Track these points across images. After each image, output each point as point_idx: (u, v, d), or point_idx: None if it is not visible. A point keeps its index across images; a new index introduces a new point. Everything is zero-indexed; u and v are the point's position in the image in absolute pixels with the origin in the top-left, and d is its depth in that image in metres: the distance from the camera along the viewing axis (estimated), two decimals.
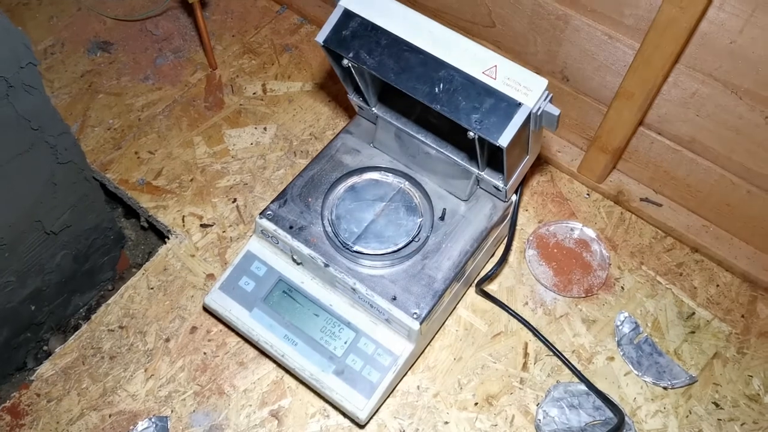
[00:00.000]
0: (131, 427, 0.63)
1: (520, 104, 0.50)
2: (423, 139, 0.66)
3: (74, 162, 0.64)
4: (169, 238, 0.77)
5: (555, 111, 0.49)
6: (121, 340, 0.69)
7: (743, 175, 0.68)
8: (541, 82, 0.49)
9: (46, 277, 0.71)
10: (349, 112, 0.89)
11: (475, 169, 0.64)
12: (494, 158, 0.64)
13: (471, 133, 0.51)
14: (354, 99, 0.69)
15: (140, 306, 0.72)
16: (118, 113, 0.88)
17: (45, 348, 0.79)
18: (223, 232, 0.77)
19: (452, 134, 0.66)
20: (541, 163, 0.84)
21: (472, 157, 0.65)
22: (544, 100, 0.50)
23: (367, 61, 0.54)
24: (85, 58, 0.93)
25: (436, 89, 0.51)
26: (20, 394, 0.66)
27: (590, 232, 0.78)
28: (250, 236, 0.70)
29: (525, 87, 0.49)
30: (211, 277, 0.74)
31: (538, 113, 0.50)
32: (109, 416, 0.65)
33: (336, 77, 0.92)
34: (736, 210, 0.72)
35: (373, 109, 0.68)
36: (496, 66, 0.50)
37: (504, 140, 0.49)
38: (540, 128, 0.53)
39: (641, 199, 0.79)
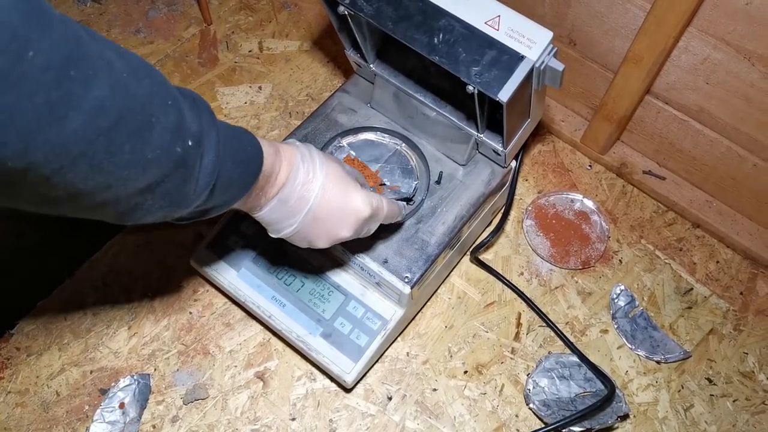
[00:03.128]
0: (113, 384, 0.62)
1: (522, 57, 0.47)
2: (422, 99, 0.64)
3: None
4: None
5: (559, 66, 0.47)
6: (105, 296, 0.68)
7: (751, 148, 0.66)
8: (546, 35, 0.47)
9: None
10: (348, 74, 0.86)
11: (474, 132, 0.62)
12: (494, 120, 0.61)
13: (470, 87, 0.48)
14: (351, 55, 0.66)
15: (125, 263, 0.70)
16: None
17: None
18: None
19: (452, 95, 0.63)
20: (543, 132, 0.81)
21: (471, 119, 0.62)
22: (548, 54, 0.47)
23: (365, 8, 0.51)
24: (75, 8, 0.89)
25: (436, 40, 0.49)
26: None
27: (590, 204, 0.76)
28: None
29: (529, 39, 0.47)
30: (199, 236, 0.72)
31: (542, 68, 0.47)
32: (91, 372, 0.63)
33: (336, 37, 0.89)
34: (742, 184, 0.70)
35: (371, 66, 0.65)
36: (499, 16, 0.47)
37: (504, 95, 0.47)
38: (543, 86, 0.51)
39: (644, 172, 0.77)
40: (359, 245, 0.60)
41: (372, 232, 0.53)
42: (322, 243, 0.49)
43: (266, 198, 0.45)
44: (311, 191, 0.46)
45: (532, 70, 0.47)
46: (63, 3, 0.90)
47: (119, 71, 0.31)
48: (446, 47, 0.49)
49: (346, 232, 0.49)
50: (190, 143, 0.35)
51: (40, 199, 0.31)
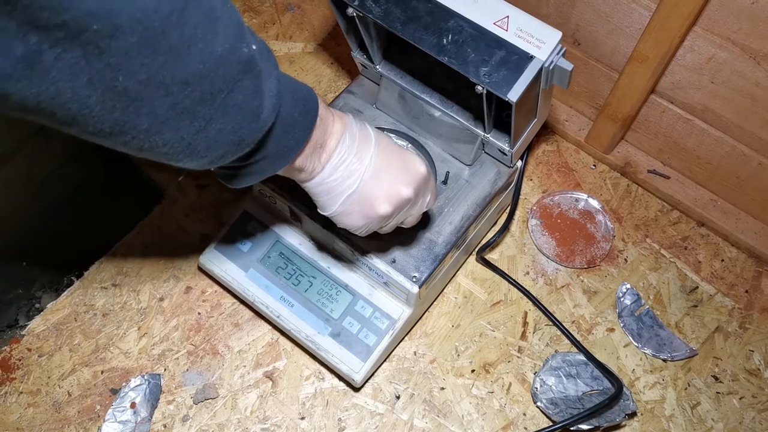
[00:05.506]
0: (123, 384, 0.62)
1: (531, 57, 0.47)
2: (428, 99, 0.64)
3: None
4: (164, 198, 0.75)
5: (568, 66, 0.47)
6: (114, 298, 0.68)
7: (755, 146, 0.66)
8: (555, 35, 0.47)
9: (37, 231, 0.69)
10: (352, 75, 0.86)
11: (480, 132, 0.62)
12: (501, 120, 0.62)
13: (479, 88, 0.49)
14: (358, 56, 0.66)
15: (134, 264, 0.70)
16: None
17: (37, 306, 0.78)
18: (220, 193, 0.76)
19: (458, 95, 0.63)
20: (547, 132, 0.82)
21: (477, 119, 0.63)
22: (557, 53, 0.48)
23: (373, 9, 0.51)
24: None
25: (444, 40, 0.49)
26: (11, 348, 0.65)
27: (595, 204, 0.76)
28: (247, 197, 0.68)
29: (538, 39, 0.47)
30: (206, 237, 0.72)
31: (551, 67, 0.48)
32: (101, 372, 0.64)
33: (339, 38, 0.90)
34: (746, 183, 0.71)
35: (378, 67, 0.66)
36: (508, 17, 0.48)
37: (514, 95, 0.47)
38: (551, 86, 0.51)
39: (649, 171, 0.77)
40: (367, 244, 0.60)
41: (419, 214, 0.52)
42: (383, 205, 0.46)
43: (327, 154, 0.44)
44: (369, 144, 0.45)
45: (541, 70, 0.48)
46: None
47: None
48: (455, 48, 0.49)
49: (408, 190, 0.46)
50: (254, 47, 0.35)
51: (121, 90, 0.30)
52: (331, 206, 0.47)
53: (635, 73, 0.66)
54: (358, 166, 0.45)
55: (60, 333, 0.66)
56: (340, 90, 0.83)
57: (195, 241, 0.72)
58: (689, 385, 0.65)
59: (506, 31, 0.48)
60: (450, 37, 0.49)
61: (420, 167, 0.48)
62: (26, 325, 0.66)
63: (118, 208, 0.75)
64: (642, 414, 0.64)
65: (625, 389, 0.63)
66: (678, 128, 0.72)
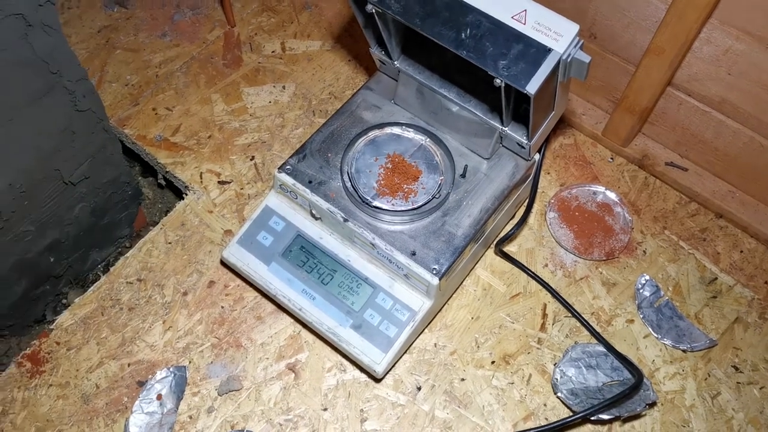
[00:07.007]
0: (150, 376, 0.64)
1: (549, 50, 0.48)
2: (446, 94, 0.65)
3: (93, 111, 0.64)
4: (186, 195, 0.77)
5: (586, 58, 0.48)
6: (140, 292, 0.70)
7: None
8: (573, 27, 0.48)
9: (64, 228, 0.71)
10: (370, 72, 0.87)
11: (498, 125, 0.63)
12: (518, 113, 0.62)
13: (498, 81, 0.50)
14: (376, 53, 0.67)
15: (158, 260, 0.72)
16: (135, 69, 0.87)
17: (64, 301, 0.80)
18: (241, 189, 0.77)
19: (476, 89, 0.64)
20: (564, 126, 0.82)
21: (495, 112, 0.63)
22: (575, 46, 0.48)
23: (392, 5, 0.52)
24: (102, 13, 0.92)
25: (463, 35, 0.50)
26: (40, 342, 0.66)
27: (613, 196, 0.76)
28: (268, 192, 0.69)
29: (555, 32, 0.48)
30: (228, 233, 0.74)
31: (568, 60, 0.48)
32: (128, 365, 0.65)
33: (357, 36, 0.91)
34: (764, 174, 0.71)
35: (396, 63, 0.67)
36: (525, 10, 0.49)
37: (532, 87, 0.48)
38: (568, 79, 0.52)
39: (666, 164, 0.77)
40: (387, 238, 0.61)
41: None
42: None
43: None
44: None
45: (558, 62, 0.48)
46: (91, 9, 0.92)
47: None
48: (474, 42, 0.50)
49: None
50: None
51: None
52: None
53: (652, 66, 0.66)
54: None
55: (87, 327, 0.68)
56: (357, 87, 0.85)
57: (217, 236, 0.73)
58: (709, 376, 0.65)
59: (524, 24, 0.48)
60: (468, 32, 0.50)
61: None
62: (54, 320, 0.68)
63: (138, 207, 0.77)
64: (662, 404, 0.64)
65: (645, 379, 0.63)
66: (695, 120, 0.72)
